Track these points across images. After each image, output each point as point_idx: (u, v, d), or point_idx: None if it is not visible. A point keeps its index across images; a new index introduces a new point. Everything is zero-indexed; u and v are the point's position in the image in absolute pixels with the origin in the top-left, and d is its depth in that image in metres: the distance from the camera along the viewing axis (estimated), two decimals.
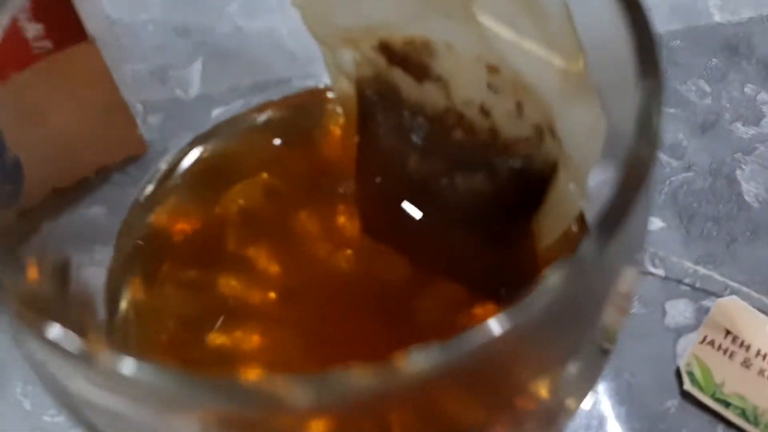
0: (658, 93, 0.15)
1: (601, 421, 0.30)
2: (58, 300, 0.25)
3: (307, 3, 0.23)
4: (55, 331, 0.14)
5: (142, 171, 0.30)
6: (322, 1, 0.23)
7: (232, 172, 0.28)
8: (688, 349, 0.31)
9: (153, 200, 0.28)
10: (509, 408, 0.19)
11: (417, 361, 0.13)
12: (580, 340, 0.17)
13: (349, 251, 0.27)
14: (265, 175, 0.28)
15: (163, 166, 0.29)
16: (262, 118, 0.30)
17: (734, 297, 0.32)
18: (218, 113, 0.31)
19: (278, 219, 0.27)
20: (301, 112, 0.30)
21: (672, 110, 0.38)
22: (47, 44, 0.26)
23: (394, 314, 0.26)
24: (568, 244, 0.24)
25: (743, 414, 0.30)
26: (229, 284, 0.26)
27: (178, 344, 0.25)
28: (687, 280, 0.33)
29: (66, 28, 0.27)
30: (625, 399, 0.31)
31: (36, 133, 0.26)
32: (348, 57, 0.25)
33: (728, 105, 0.38)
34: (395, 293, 0.26)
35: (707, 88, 0.39)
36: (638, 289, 0.34)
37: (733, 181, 0.36)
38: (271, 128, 0.30)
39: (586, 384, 0.21)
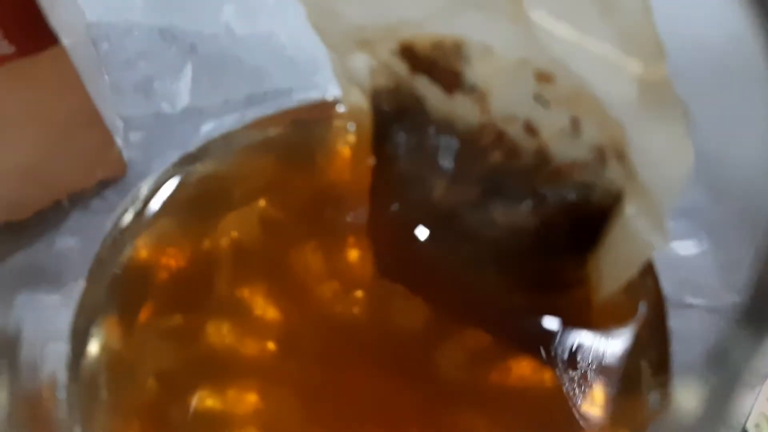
0: None
1: None
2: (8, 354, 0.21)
3: None
4: None
5: (122, 196, 0.26)
6: None
7: (224, 198, 0.24)
8: (754, 407, 0.27)
9: (132, 230, 0.24)
10: None
11: None
12: None
13: (359, 293, 0.23)
14: (262, 202, 0.24)
15: (144, 190, 0.25)
16: (259, 135, 0.26)
17: None
18: (208, 129, 0.27)
19: (277, 254, 0.23)
20: (305, 129, 0.26)
21: None
22: (8, 48, 0.22)
23: (412, 371, 0.22)
24: (631, 298, 0.20)
25: None
26: (220, 332, 0.22)
27: (157, 406, 0.21)
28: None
29: (31, 29, 0.23)
30: None
31: None
32: (361, 64, 0.21)
33: None
34: (414, 345, 0.22)
35: None
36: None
37: None
38: (269, 148, 0.26)
39: None
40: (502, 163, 0.19)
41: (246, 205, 0.24)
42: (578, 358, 0.20)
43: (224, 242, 0.24)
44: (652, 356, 0.20)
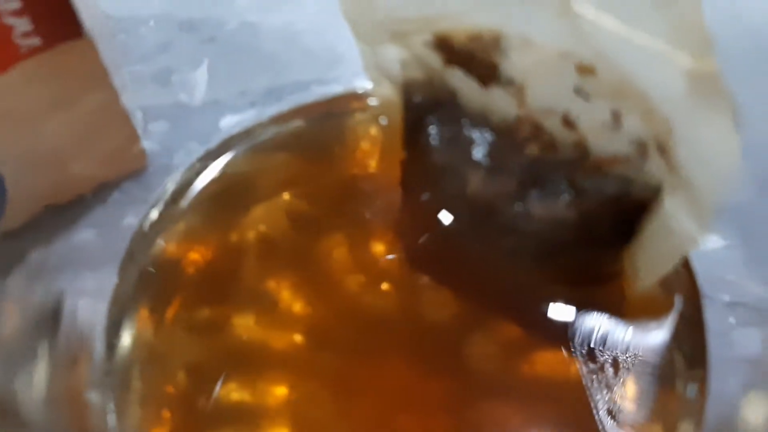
0: None
1: None
2: (48, 338, 0.21)
3: None
4: None
5: (144, 189, 0.26)
6: None
7: (249, 192, 0.24)
8: None
9: (161, 225, 0.24)
10: None
11: None
12: None
13: (387, 286, 0.23)
14: (287, 195, 0.24)
15: (170, 185, 0.25)
16: (282, 129, 0.26)
17: None
18: (228, 122, 0.27)
19: (304, 247, 0.23)
20: (327, 121, 0.26)
21: None
22: (36, 41, 0.22)
23: (441, 362, 0.22)
24: (667, 291, 0.20)
25: None
26: (248, 325, 0.22)
27: (187, 398, 0.21)
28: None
29: (57, 22, 0.22)
30: None
31: (21, 143, 0.22)
32: (393, 55, 0.21)
33: None
34: (443, 337, 0.22)
35: None
36: None
37: None
38: (292, 141, 0.26)
39: None
40: (539, 156, 0.19)
41: (272, 199, 0.24)
42: (612, 351, 0.20)
43: (251, 236, 0.23)
44: (686, 349, 0.20)
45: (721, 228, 0.31)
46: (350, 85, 0.27)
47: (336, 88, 0.28)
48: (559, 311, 0.20)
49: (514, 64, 0.18)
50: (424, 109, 0.21)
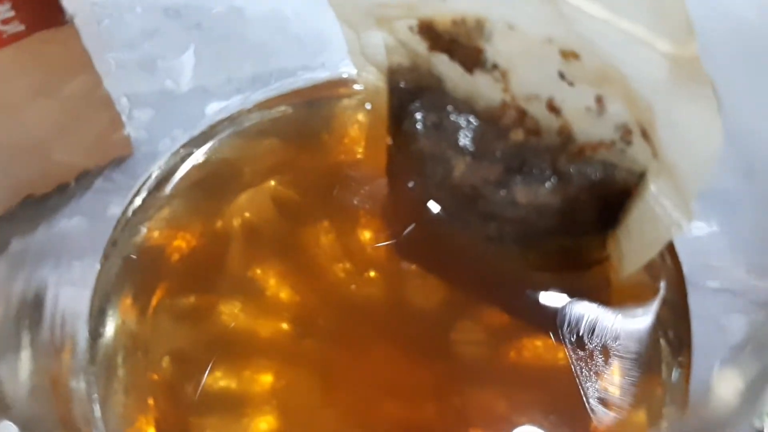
0: None
1: None
2: (30, 327, 0.20)
3: None
4: None
5: (128, 177, 0.26)
6: None
7: (234, 179, 0.24)
8: None
9: (144, 212, 0.24)
10: None
11: None
12: None
13: (374, 273, 0.23)
14: (273, 182, 0.24)
15: (154, 172, 0.25)
16: (267, 115, 0.26)
17: None
18: (214, 109, 0.27)
19: (290, 234, 0.23)
20: (313, 108, 0.26)
21: None
22: (18, 27, 0.22)
23: (428, 349, 0.22)
24: (652, 277, 0.20)
25: None
26: (233, 312, 0.22)
27: (171, 385, 0.21)
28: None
29: (39, 8, 0.22)
30: None
31: (4, 130, 0.22)
32: (378, 41, 0.20)
33: None
34: (430, 323, 0.22)
35: None
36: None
37: None
38: (277, 128, 0.26)
39: None
40: (524, 141, 0.19)
41: (257, 186, 0.24)
42: (597, 336, 0.20)
43: (236, 222, 0.23)
44: (671, 335, 0.20)
45: (707, 215, 0.31)
46: (337, 71, 0.27)
47: (322, 74, 0.27)
48: (545, 297, 0.20)
49: (498, 49, 0.18)
50: (409, 94, 0.21)
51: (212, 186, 0.24)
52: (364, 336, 0.22)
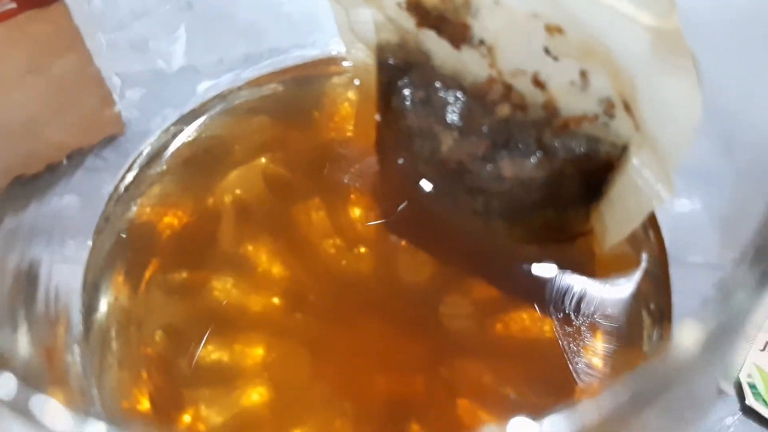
0: None
1: None
2: (25, 304, 0.21)
3: None
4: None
5: (120, 155, 0.26)
6: None
7: (225, 156, 0.24)
8: (747, 358, 0.28)
9: (136, 190, 0.24)
10: None
11: None
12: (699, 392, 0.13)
13: (364, 249, 0.23)
14: (264, 159, 0.24)
15: (145, 149, 0.25)
16: (258, 93, 0.26)
17: None
18: (206, 88, 0.27)
19: (281, 211, 0.23)
20: (303, 86, 0.26)
21: None
22: (9, 5, 0.22)
23: (417, 322, 0.22)
24: (635, 250, 0.20)
25: None
26: (225, 288, 0.22)
27: (165, 359, 0.21)
28: None
29: None
30: None
31: None
32: (367, 18, 0.21)
33: None
34: (419, 297, 0.22)
35: None
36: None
37: None
38: (268, 105, 0.26)
39: (695, 424, 0.17)
40: (510, 116, 0.19)
41: (248, 163, 0.24)
42: (581, 308, 0.20)
43: (227, 199, 0.24)
44: (653, 307, 0.20)
45: (690, 192, 0.31)
46: (327, 49, 0.27)
47: (313, 53, 0.28)
48: (531, 270, 0.21)
49: (484, 24, 0.18)
50: (397, 71, 0.21)
51: (203, 163, 0.24)
52: (354, 310, 0.22)
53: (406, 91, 0.21)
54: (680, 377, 0.10)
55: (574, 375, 0.20)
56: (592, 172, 0.18)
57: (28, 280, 0.21)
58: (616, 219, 0.18)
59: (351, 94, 0.25)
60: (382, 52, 0.21)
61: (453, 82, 0.20)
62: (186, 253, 0.23)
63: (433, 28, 0.19)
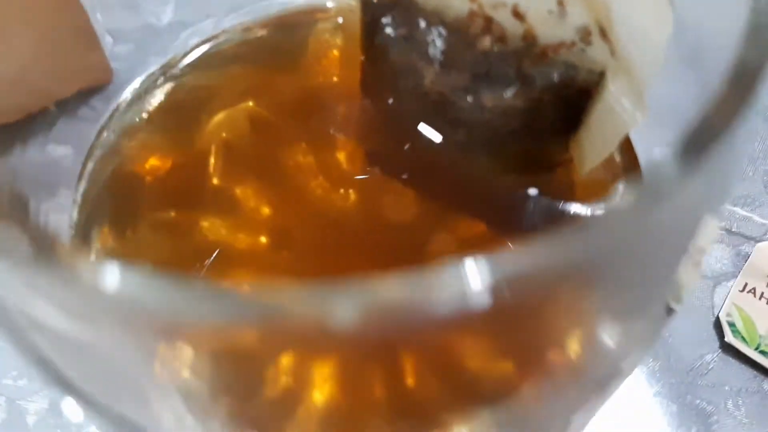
0: None
1: (635, 377, 0.27)
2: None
3: None
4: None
5: (108, 104, 0.26)
6: None
7: (211, 101, 0.25)
8: (727, 298, 0.28)
9: (122, 135, 0.24)
10: (546, 360, 0.16)
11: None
12: (643, 293, 0.14)
13: (350, 189, 0.23)
14: (250, 103, 0.24)
15: (128, 95, 0.25)
16: (243, 39, 0.27)
17: None
18: (189, 34, 0.27)
19: (267, 153, 0.24)
20: (289, 31, 0.27)
21: None
22: None
23: (403, 260, 0.22)
24: (611, 173, 0.20)
25: None
26: (213, 227, 0.23)
27: None
28: (722, 224, 0.30)
29: None
30: (659, 353, 0.28)
31: None
32: None
33: None
34: (405, 236, 0.22)
35: None
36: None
37: None
38: (253, 51, 0.26)
39: (645, 345, 0.17)
40: (491, 49, 0.19)
41: (234, 107, 0.24)
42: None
43: (214, 142, 0.24)
44: None
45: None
46: None
47: (299, 0, 0.28)
48: (513, 200, 0.21)
49: None
50: (381, 9, 0.21)
51: (189, 108, 0.25)
52: (341, 249, 0.22)
53: (389, 29, 0.21)
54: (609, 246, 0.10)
55: None
56: (571, 100, 0.19)
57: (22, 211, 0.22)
58: (593, 143, 0.19)
59: (337, 40, 0.25)
60: None
61: (435, 18, 0.20)
62: (172, 195, 0.23)
63: None
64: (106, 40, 0.26)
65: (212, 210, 0.23)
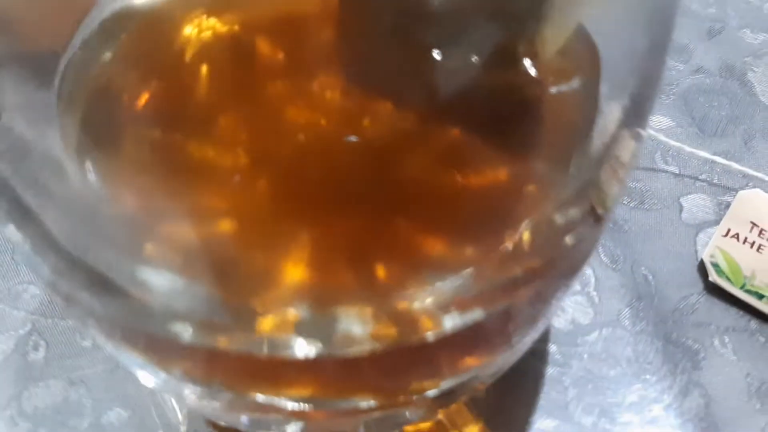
0: None
1: (618, 316, 0.26)
2: None
3: None
4: None
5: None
6: None
7: (182, 21, 0.24)
8: (710, 242, 0.28)
9: (90, 59, 0.24)
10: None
11: None
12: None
13: (329, 112, 0.23)
14: (226, 27, 0.24)
15: (96, 15, 0.25)
16: None
17: (757, 190, 0.29)
18: None
19: (243, 77, 0.24)
20: None
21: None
22: None
23: (380, 169, 0.22)
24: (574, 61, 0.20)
25: None
26: (186, 152, 0.22)
27: None
28: (703, 176, 0.30)
29: None
30: (644, 293, 0.27)
31: None
32: None
33: (734, 13, 0.35)
34: (384, 155, 0.22)
35: None
36: (650, 184, 0.30)
37: (746, 83, 0.33)
38: None
39: (581, 257, 0.18)
40: None
41: (210, 30, 0.24)
42: None
43: (190, 67, 0.24)
44: None
45: (671, 112, 0.32)
46: None
47: None
48: (488, 101, 0.21)
49: None
50: None
51: (160, 28, 0.24)
52: (321, 169, 0.22)
53: None
54: None
55: None
56: None
57: None
58: (553, 26, 0.19)
59: None
60: None
61: None
62: (151, 118, 0.23)
63: None
64: None
65: (192, 135, 0.23)
